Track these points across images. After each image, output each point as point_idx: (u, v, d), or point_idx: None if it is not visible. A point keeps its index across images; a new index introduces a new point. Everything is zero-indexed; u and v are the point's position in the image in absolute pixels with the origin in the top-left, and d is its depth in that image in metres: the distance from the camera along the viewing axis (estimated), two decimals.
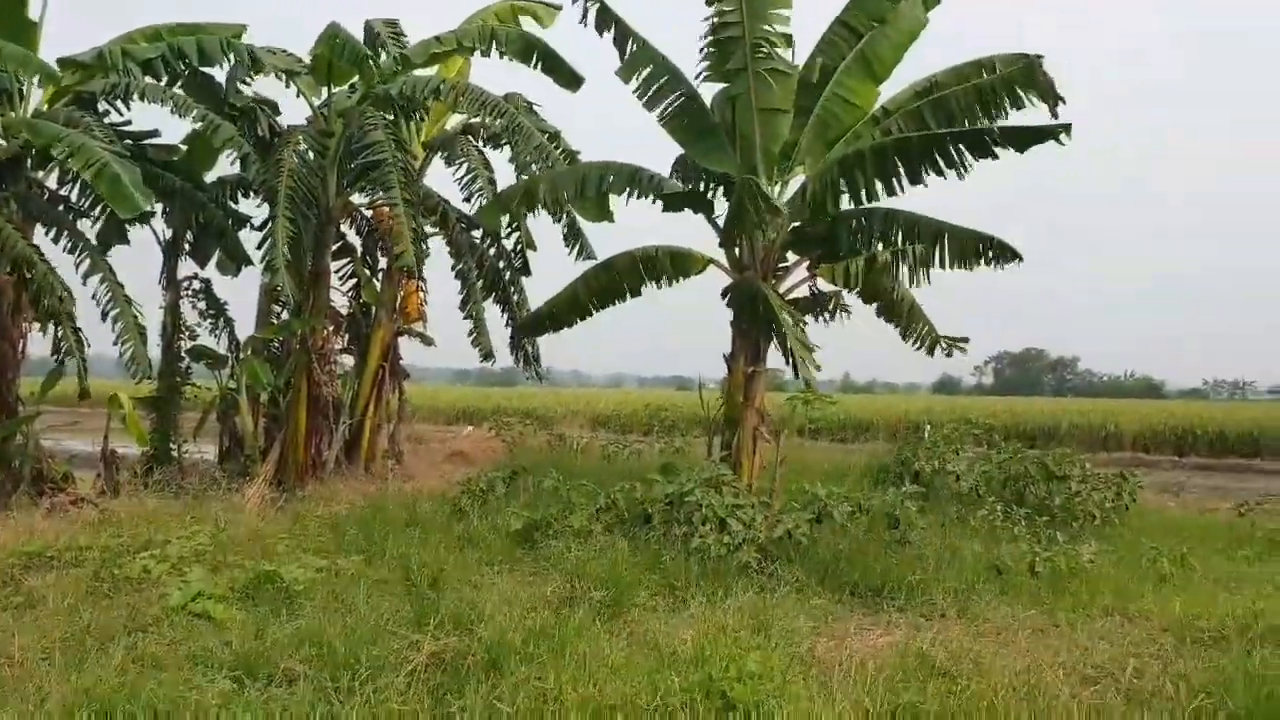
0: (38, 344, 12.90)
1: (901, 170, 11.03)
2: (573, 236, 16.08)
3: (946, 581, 8.42)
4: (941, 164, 10.80)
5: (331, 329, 15.10)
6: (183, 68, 13.34)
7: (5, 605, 7.29)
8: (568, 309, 13.34)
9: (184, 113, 13.04)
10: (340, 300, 15.63)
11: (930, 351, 13.40)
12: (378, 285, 15.96)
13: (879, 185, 11.22)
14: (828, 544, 9.36)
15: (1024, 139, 10.50)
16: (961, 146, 10.71)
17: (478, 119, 15.41)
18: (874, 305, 13.06)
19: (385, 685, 5.57)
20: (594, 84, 14.73)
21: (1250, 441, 30.80)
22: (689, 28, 11.99)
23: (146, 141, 14.64)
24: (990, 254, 11.72)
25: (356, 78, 14.15)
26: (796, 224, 12.44)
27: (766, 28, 11.53)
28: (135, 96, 13.12)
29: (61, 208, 13.61)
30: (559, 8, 15.59)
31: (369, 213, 15.97)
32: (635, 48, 12.53)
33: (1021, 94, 11.30)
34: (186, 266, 15.62)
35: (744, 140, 12.10)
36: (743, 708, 5.23)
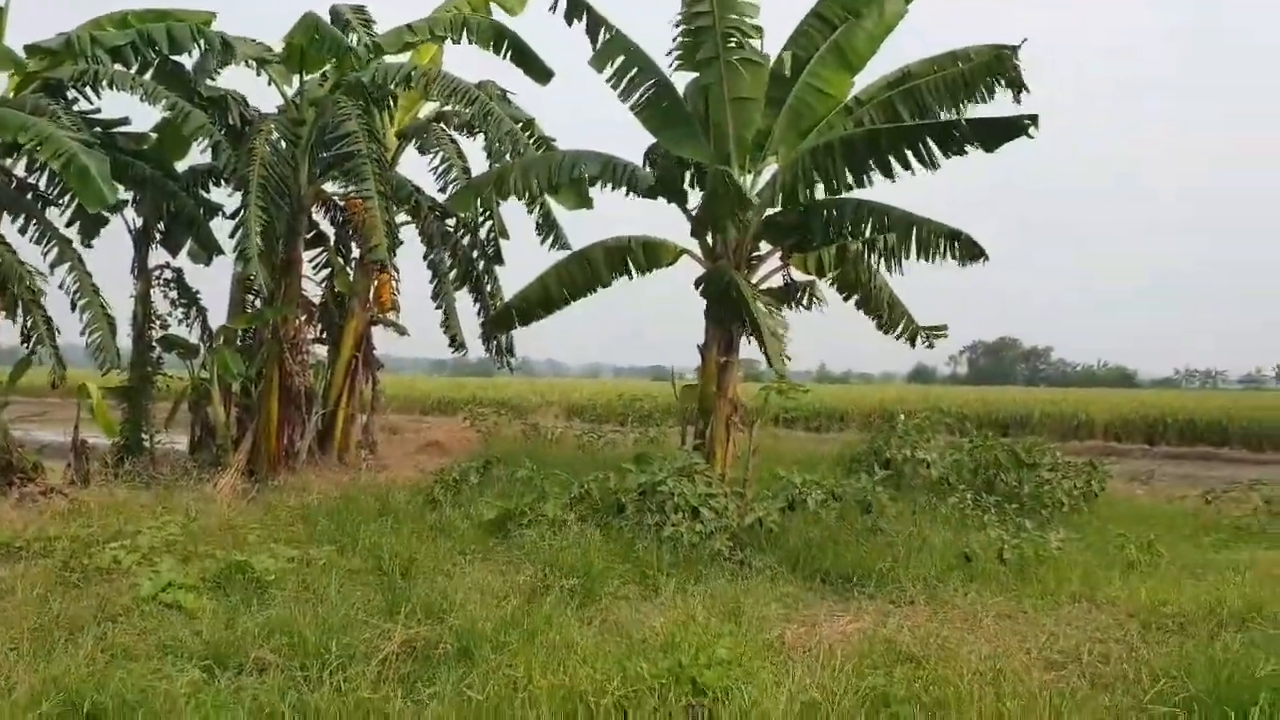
0: (6, 333, 12.79)
1: (870, 163, 11.07)
2: (547, 225, 16.07)
3: (916, 569, 8.49)
4: (910, 157, 10.85)
5: (304, 318, 15.08)
6: (152, 55, 13.20)
7: None
8: (537, 302, 13.28)
9: (154, 100, 12.93)
10: (313, 290, 15.60)
11: (911, 343, 13.48)
12: (351, 274, 15.91)
13: (849, 177, 11.25)
14: (799, 532, 9.43)
15: (992, 133, 10.53)
16: (930, 140, 10.74)
17: (450, 107, 15.36)
18: (852, 297, 13.11)
19: (356, 674, 5.56)
20: (566, 76, 14.74)
21: (1220, 430, 31.10)
22: (661, 17, 12.02)
23: (116, 130, 14.50)
24: (958, 249, 11.77)
25: (328, 66, 14.06)
26: (769, 213, 12.46)
27: (737, 18, 11.57)
28: (104, 84, 13.03)
29: (30, 196, 13.49)
30: None
31: (342, 201, 15.89)
32: (607, 37, 12.53)
33: (992, 84, 11.33)
34: (158, 256, 15.54)
35: (717, 129, 12.12)
36: (712, 693, 5.26)
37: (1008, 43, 11.38)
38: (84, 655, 5.75)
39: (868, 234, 12.00)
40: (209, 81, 14.29)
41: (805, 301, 12.76)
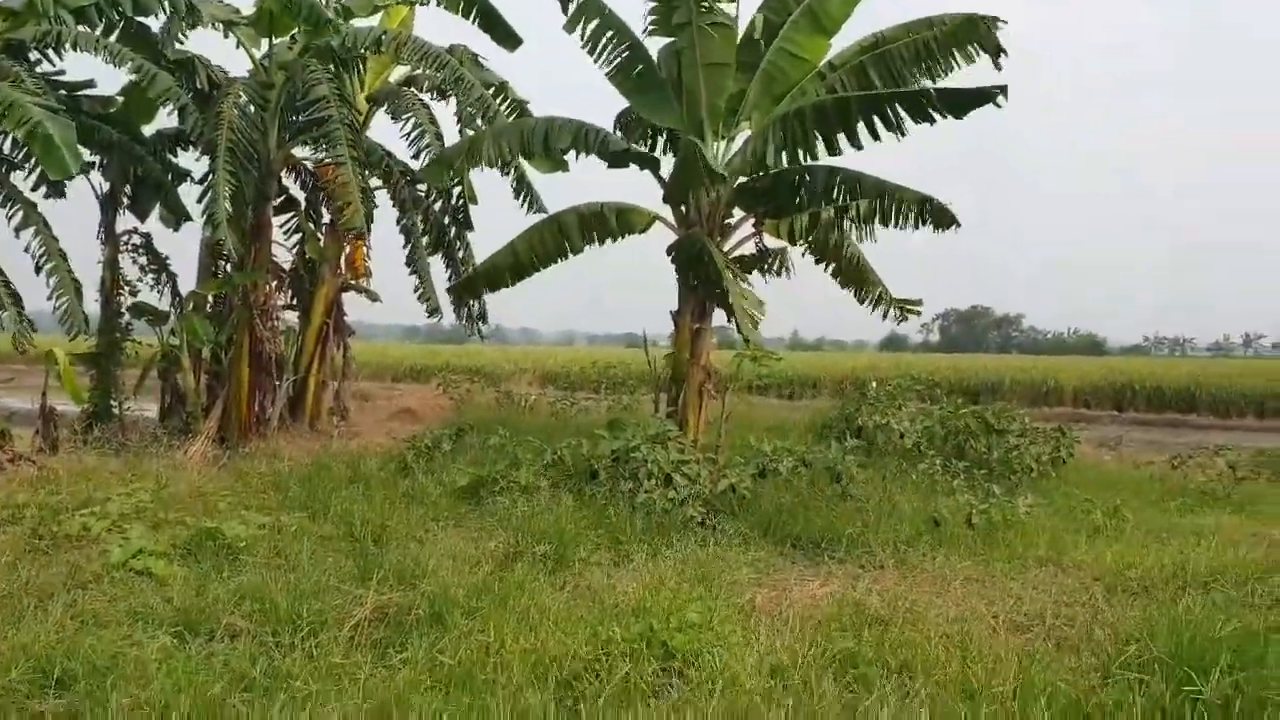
0: None
1: (841, 130, 11.01)
2: (522, 188, 15.98)
3: (885, 534, 8.58)
4: (879, 125, 10.81)
5: (274, 284, 14.96)
6: (117, 16, 12.99)
7: None
8: (507, 268, 13.15)
9: (119, 63, 12.69)
10: (284, 255, 15.47)
11: (885, 314, 13.52)
12: (321, 240, 15.78)
13: (819, 144, 11.19)
14: (771, 498, 9.50)
15: (962, 102, 10.50)
16: (899, 107, 10.70)
17: (420, 71, 15.21)
18: (827, 266, 13.11)
19: (328, 640, 5.58)
20: (540, 39, 14.62)
21: (1187, 397, 31.53)
22: None
23: (81, 93, 14.29)
24: (929, 216, 11.77)
25: (297, 30, 13.86)
26: (742, 180, 12.41)
27: None
28: (68, 45, 12.75)
29: None
30: None
31: (312, 166, 15.74)
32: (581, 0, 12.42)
33: (966, 49, 11.28)
34: (126, 221, 15.36)
35: (690, 95, 12.05)
36: (682, 657, 5.30)
37: (985, 13, 11.33)
38: (54, 622, 5.73)
39: (840, 201, 11.96)
40: (177, 45, 14.05)
41: (777, 269, 12.76)
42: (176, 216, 15.56)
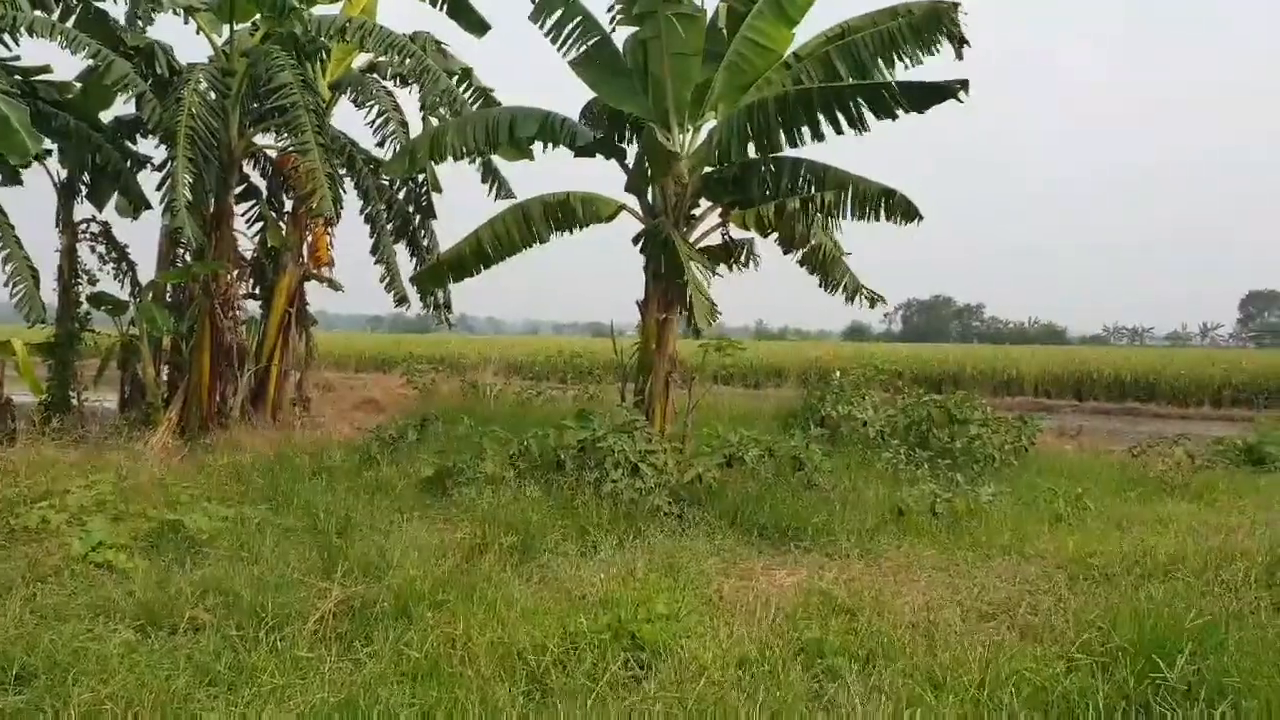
0: None
1: (803, 122, 11.00)
2: (489, 175, 15.89)
3: (850, 523, 8.65)
4: (842, 120, 10.78)
5: (236, 273, 14.80)
6: (75, 1, 12.77)
7: None
8: (472, 257, 12.98)
9: (76, 49, 12.47)
10: (245, 244, 15.31)
11: (851, 299, 13.54)
12: (284, 229, 15.62)
13: (782, 136, 11.16)
14: (737, 487, 9.54)
15: (923, 96, 10.48)
16: (861, 101, 10.68)
17: (384, 58, 15.09)
18: (793, 254, 13.12)
19: (293, 633, 5.53)
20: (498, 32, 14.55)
21: (1147, 386, 31.93)
22: None
23: (37, 78, 14.04)
24: (891, 208, 11.79)
25: (259, 15, 13.70)
26: (708, 170, 12.39)
27: None
28: (23, 30, 12.52)
29: None
30: None
31: (272, 154, 15.59)
32: None
33: (929, 39, 11.27)
34: (84, 210, 15.14)
35: (656, 84, 12.01)
36: (650, 648, 5.30)
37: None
38: (12, 616, 5.64)
39: (805, 192, 11.97)
40: (142, 26, 13.84)
41: (744, 260, 12.77)
42: (135, 205, 15.34)
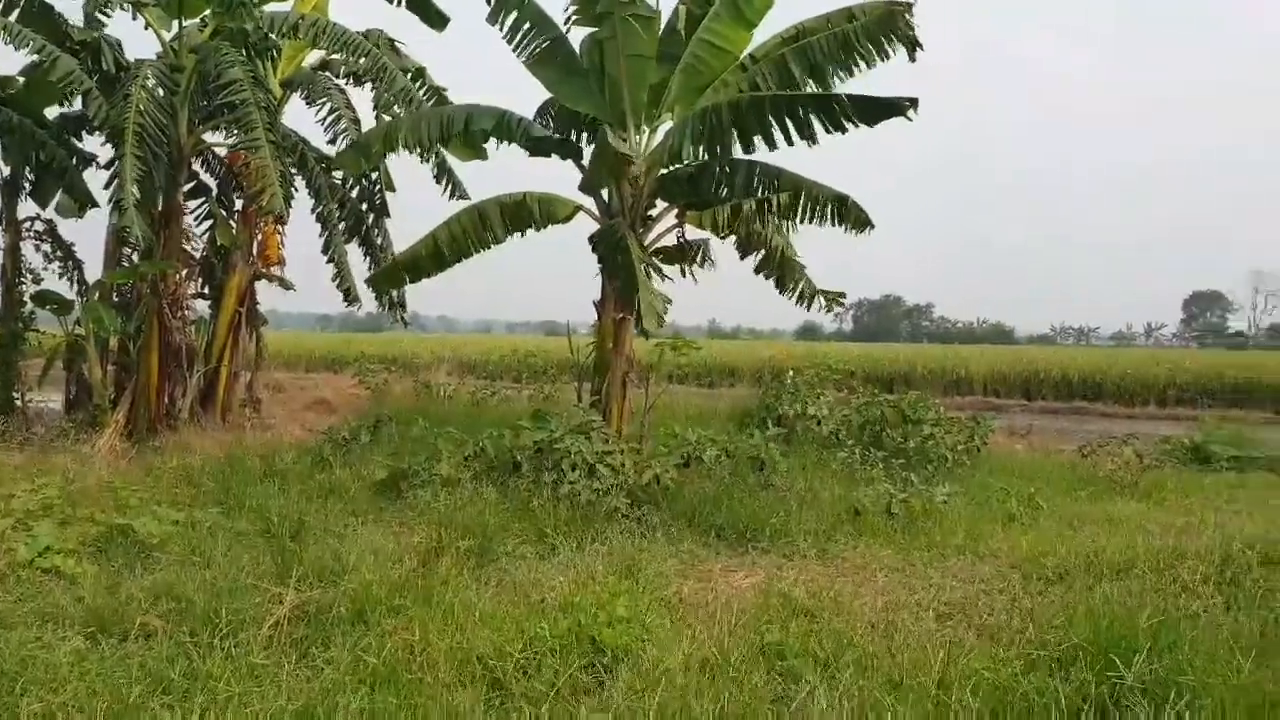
0: None
1: (755, 130, 10.99)
2: (443, 174, 15.78)
3: (807, 523, 8.69)
4: (792, 129, 10.79)
5: (184, 273, 14.58)
6: None
7: None
8: (428, 258, 12.85)
9: (20, 44, 12.19)
10: (195, 243, 15.06)
11: (809, 305, 13.59)
12: (234, 227, 15.40)
13: (735, 142, 11.15)
14: (695, 488, 9.54)
15: (873, 110, 10.49)
16: (811, 112, 10.70)
17: (338, 55, 14.92)
18: (749, 257, 13.13)
19: (247, 639, 5.43)
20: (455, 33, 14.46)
21: (1094, 386, 32.43)
22: None
23: None
24: (844, 215, 11.82)
25: (208, 10, 13.48)
26: (664, 171, 12.37)
27: None
28: None
29: None
30: None
31: (222, 151, 15.37)
32: None
33: (884, 42, 11.33)
34: (28, 208, 14.85)
35: (612, 85, 11.98)
36: (612, 652, 5.28)
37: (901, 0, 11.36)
38: None
39: (761, 194, 11.98)
40: (103, 23, 13.55)
41: (700, 261, 12.77)
42: (80, 203, 15.05)
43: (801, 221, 11.96)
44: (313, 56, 15.91)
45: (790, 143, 10.93)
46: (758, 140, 11.22)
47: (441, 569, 6.80)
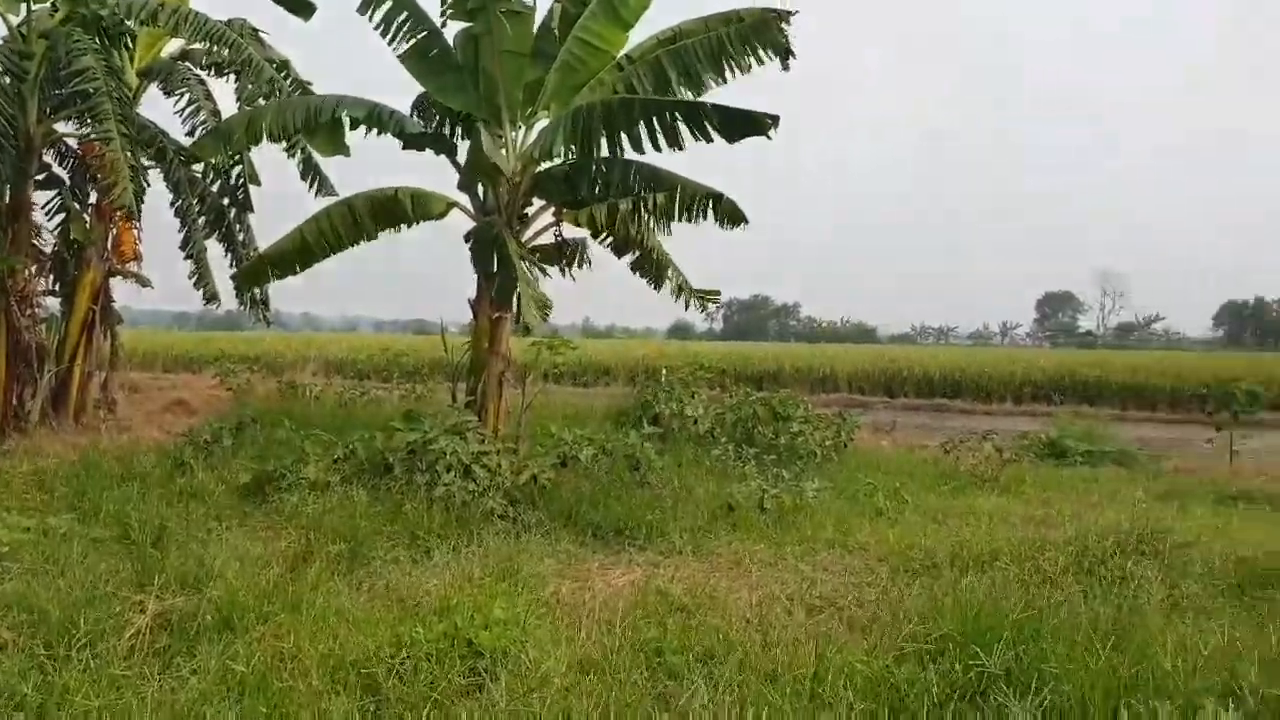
0: None
1: (624, 132, 11.01)
2: (310, 170, 15.38)
3: (683, 520, 8.77)
4: (660, 135, 10.83)
5: (35, 269, 13.90)
6: None
7: None
8: (295, 254, 12.46)
9: None
10: (45, 238, 14.38)
11: (686, 304, 13.69)
12: (88, 221, 14.74)
13: (605, 144, 11.14)
14: (572, 487, 9.53)
15: (736, 125, 10.55)
16: (679, 118, 10.76)
17: (199, 45, 14.43)
18: (625, 256, 13.13)
19: (106, 650, 5.21)
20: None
21: (953, 384, 33.50)
22: None
23: None
24: (719, 211, 11.95)
25: None
26: (540, 169, 12.30)
27: None
28: None
29: None
30: None
31: (74, 143, 14.70)
32: None
33: (758, 49, 11.44)
34: None
35: (488, 81, 11.86)
36: (490, 655, 5.22)
37: (780, 7, 11.40)
38: None
39: (637, 193, 12.00)
40: None
41: (577, 260, 12.75)
42: None
43: (677, 220, 12.07)
44: (173, 45, 15.38)
45: (657, 148, 10.94)
46: (622, 147, 11.18)
47: (311, 574, 6.63)
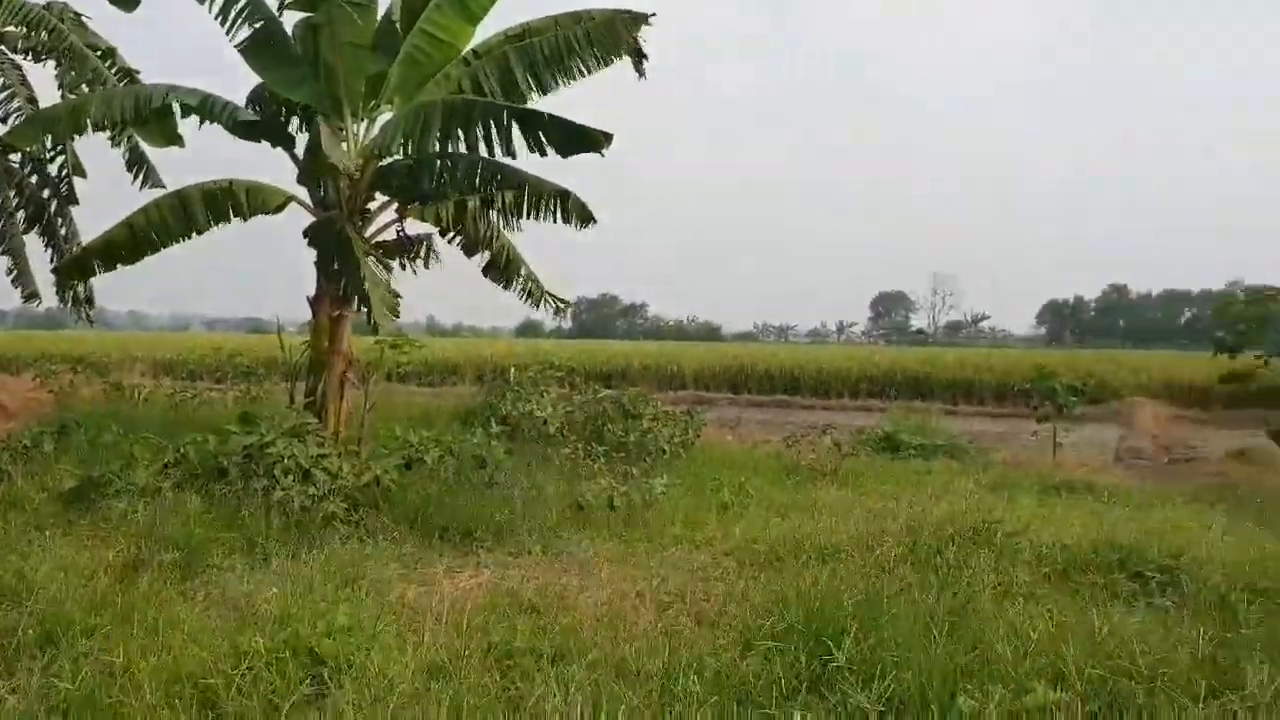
0: None
1: (462, 134, 10.82)
2: (136, 163, 14.66)
3: (533, 520, 8.73)
4: (496, 141, 10.72)
5: None
6: None
7: None
8: (122, 247, 11.76)
9: None
10: None
11: (537, 305, 13.59)
12: None
13: (445, 142, 10.95)
14: (418, 489, 9.35)
15: (571, 137, 10.46)
16: (514, 125, 10.62)
17: (14, 28, 13.61)
18: (475, 256, 12.93)
19: None
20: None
21: (794, 380, 34.32)
22: None
23: None
24: (568, 210, 11.90)
25: None
26: (383, 164, 12.00)
27: None
28: None
29: None
30: None
31: None
32: None
33: (608, 50, 11.39)
34: None
35: (329, 73, 11.50)
36: (334, 663, 5.07)
37: (635, 9, 11.33)
38: None
39: (484, 191, 11.83)
40: None
41: (424, 257, 12.49)
42: None
43: (526, 218, 11.97)
44: None
45: (492, 154, 10.83)
46: (459, 148, 11.00)
47: (142, 584, 6.34)
